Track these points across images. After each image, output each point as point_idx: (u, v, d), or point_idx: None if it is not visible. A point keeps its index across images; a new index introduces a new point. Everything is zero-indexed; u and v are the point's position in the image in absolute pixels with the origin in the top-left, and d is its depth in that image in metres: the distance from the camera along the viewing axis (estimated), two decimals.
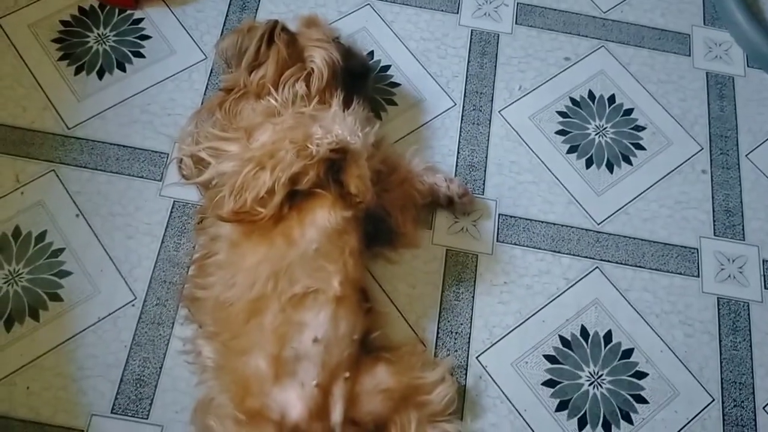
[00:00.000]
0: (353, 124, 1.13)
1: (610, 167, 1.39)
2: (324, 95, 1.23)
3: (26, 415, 1.09)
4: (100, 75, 1.36)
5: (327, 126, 1.11)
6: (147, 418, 1.11)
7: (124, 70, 1.37)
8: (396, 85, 1.43)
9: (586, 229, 1.32)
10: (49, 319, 1.16)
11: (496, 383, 1.19)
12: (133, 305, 1.19)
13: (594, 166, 1.39)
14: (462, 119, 1.41)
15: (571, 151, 1.39)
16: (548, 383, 1.20)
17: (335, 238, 1.11)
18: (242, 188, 1.09)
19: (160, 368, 1.15)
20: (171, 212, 1.26)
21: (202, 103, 1.33)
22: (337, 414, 1.05)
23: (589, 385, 1.20)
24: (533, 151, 1.39)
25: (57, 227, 1.23)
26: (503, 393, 1.18)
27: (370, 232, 1.21)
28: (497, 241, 1.30)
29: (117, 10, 1.43)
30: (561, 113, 1.43)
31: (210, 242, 1.16)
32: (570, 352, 1.22)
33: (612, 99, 1.45)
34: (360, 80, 1.31)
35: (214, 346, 1.09)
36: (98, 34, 1.40)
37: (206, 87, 1.38)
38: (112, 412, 1.11)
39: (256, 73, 1.22)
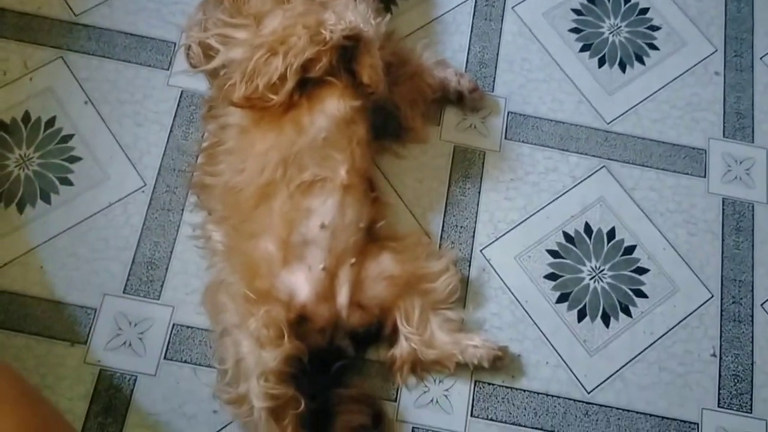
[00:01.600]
0: (366, 12, 1.12)
1: (622, 66, 1.37)
2: None
3: (40, 293, 1.13)
4: None
5: (340, 12, 1.10)
6: (158, 299, 1.14)
7: None
8: None
9: (595, 129, 1.32)
10: (61, 203, 1.18)
11: (498, 275, 1.21)
12: (142, 191, 1.20)
13: (606, 65, 1.37)
14: (474, 15, 1.38)
15: (584, 49, 1.37)
16: (550, 276, 1.22)
17: (344, 127, 1.11)
18: (254, 74, 1.08)
19: (171, 252, 1.17)
20: (179, 102, 1.26)
21: None
22: (343, 297, 1.08)
23: (590, 279, 1.22)
24: (545, 49, 1.37)
25: (66, 113, 1.23)
26: (505, 284, 1.21)
27: (379, 125, 1.21)
28: (505, 138, 1.30)
29: None
30: (575, 11, 1.40)
31: (219, 130, 1.16)
32: (573, 247, 1.24)
33: None
34: None
35: (223, 229, 1.11)
36: None
37: None
38: (124, 292, 1.14)
39: None
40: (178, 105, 1.26)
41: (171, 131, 1.24)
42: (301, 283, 1.06)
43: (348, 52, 1.11)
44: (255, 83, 1.08)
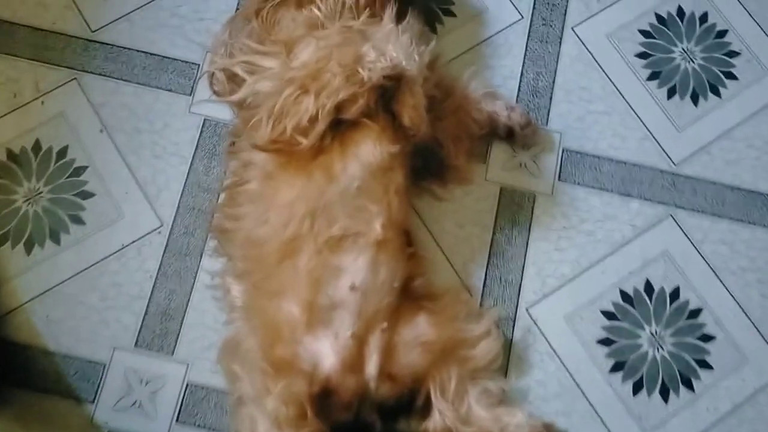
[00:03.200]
0: (409, 45, 0.99)
1: (695, 98, 1.22)
2: (374, 5, 1.07)
3: (45, 345, 1.04)
4: None
5: (380, 46, 0.98)
6: (172, 354, 1.05)
7: None
8: None
9: (661, 170, 1.18)
10: (71, 243, 1.09)
11: (545, 338, 1.09)
12: (159, 233, 1.10)
13: (677, 96, 1.22)
14: (529, 36, 1.24)
15: (652, 77, 1.22)
16: (604, 341, 1.09)
17: (380, 174, 1.00)
18: (282, 114, 0.97)
19: (187, 302, 1.08)
20: (201, 131, 1.15)
21: (237, 8, 1.19)
22: (372, 367, 0.97)
23: (649, 345, 1.10)
24: (608, 76, 1.22)
25: (80, 142, 1.14)
26: (552, 349, 1.09)
27: (418, 164, 1.09)
28: (559, 179, 1.17)
29: None
30: (644, 32, 1.25)
31: (242, 169, 1.05)
32: (631, 308, 1.11)
33: (704, 18, 1.26)
34: None
35: (243, 285, 1.01)
36: None
37: None
38: (135, 346, 1.05)
39: None
40: (200, 135, 1.15)
41: (191, 165, 1.14)
42: (326, 352, 0.96)
43: (388, 91, 0.99)
44: (282, 124, 0.97)
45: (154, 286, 1.08)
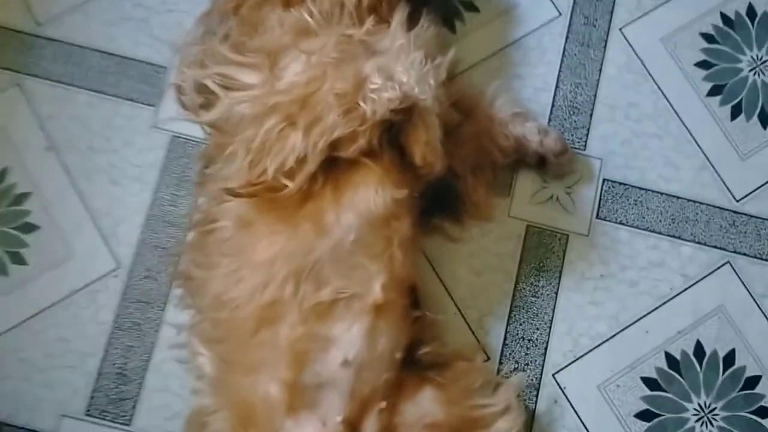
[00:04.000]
0: (423, 64, 0.79)
1: (763, 119, 1.01)
2: (380, 7, 0.87)
3: None
4: None
5: (387, 67, 0.78)
6: (129, 425, 0.89)
7: None
8: None
9: (720, 207, 0.98)
10: (10, 288, 0.91)
11: (574, 410, 0.92)
12: (115, 275, 0.92)
13: (742, 116, 1.01)
14: (567, 38, 1.03)
15: (713, 92, 1.01)
16: (644, 415, 0.92)
17: (381, 225, 0.81)
18: (262, 151, 0.78)
19: (148, 361, 0.90)
20: (168, 151, 0.96)
21: (212, 3, 0.98)
22: None
23: (697, 421, 0.92)
24: (661, 90, 1.01)
25: (22, 164, 0.95)
26: (583, 424, 0.92)
27: (429, 199, 0.90)
28: (597, 217, 0.97)
29: None
30: (706, 36, 1.03)
31: (213, 208, 0.87)
32: (677, 375, 0.93)
33: None
34: None
35: (213, 353, 0.84)
36: None
37: None
38: (86, 414, 0.89)
39: None
40: (167, 156, 0.96)
41: (156, 193, 0.95)
42: None
43: (395, 125, 0.80)
44: (263, 165, 0.78)
45: (108, 342, 0.91)
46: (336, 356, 0.79)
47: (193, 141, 0.96)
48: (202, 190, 0.90)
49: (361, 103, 0.77)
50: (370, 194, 0.80)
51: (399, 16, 0.83)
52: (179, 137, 0.96)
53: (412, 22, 0.85)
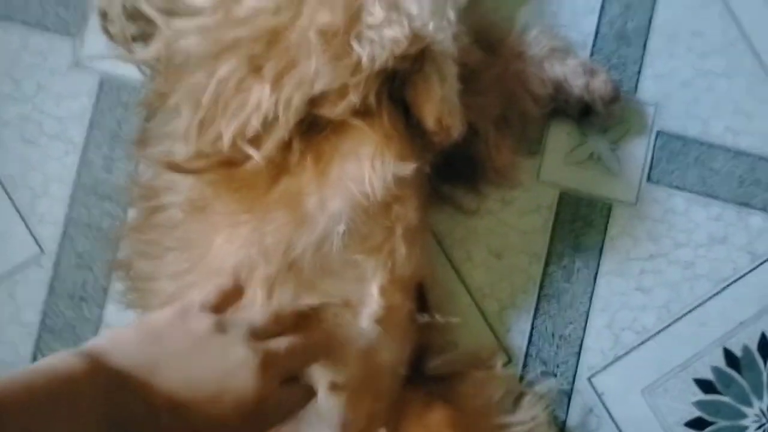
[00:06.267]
0: None
1: None
2: None
3: None
4: None
5: None
6: None
7: None
8: None
9: None
10: None
11: (614, 422, 0.76)
12: (39, 265, 0.72)
13: None
14: None
15: None
16: (695, 424, 0.76)
17: (379, 211, 0.61)
18: (216, 107, 0.56)
19: None
20: (98, 98, 0.73)
21: None
22: None
23: (758, 429, 0.77)
24: (734, 14, 0.79)
25: None
26: None
27: (441, 163, 0.69)
28: (648, 180, 0.77)
29: None
30: None
31: (157, 179, 0.66)
32: (737, 375, 0.77)
33: None
34: None
35: None
36: None
37: None
38: None
39: None
40: (97, 104, 0.73)
41: (84, 153, 0.73)
42: None
43: (398, 75, 0.58)
44: (216, 127, 0.57)
45: (36, 348, 0.72)
46: (323, 381, 0.61)
47: (130, 84, 0.73)
48: (142, 151, 0.69)
49: (355, 45, 0.55)
50: (365, 169, 0.59)
51: None
52: (111, 77, 0.73)
53: None
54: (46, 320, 0.72)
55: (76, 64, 0.73)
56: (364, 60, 0.55)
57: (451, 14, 0.58)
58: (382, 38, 0.55)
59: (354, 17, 0.56)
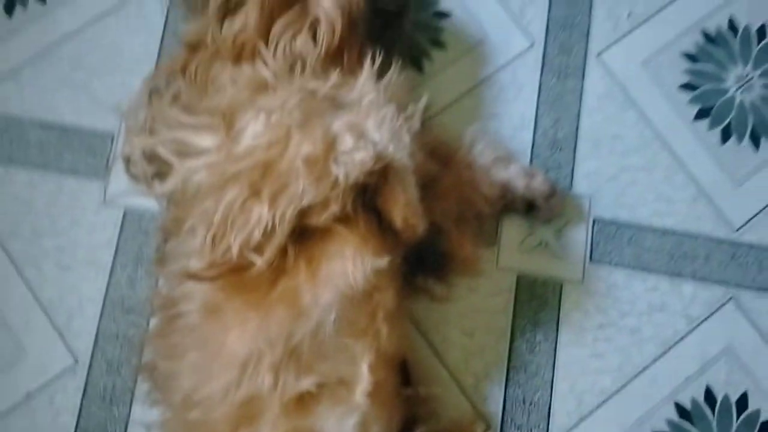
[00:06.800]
0: (395, 120, 0.72)
1: (755, 140, 0.95)
2: (342, 56, 0.80)
3: None
4: (9, 9, 0.92)
5: (357, 126, 0.70)
6: None
7: (44, 0, 0.93)
8: (444, 16, 0.97)
9: (719, 240, 0.92)
10: None
11: None
12: (74, 372, 0.84)
13: (733, 138, 0.95)
14: (542, 69, 0.96)
15: (700, 115, 0.96)
16: None
17: (363, 300, 0.73)
18: (225, 225, 0.70)
19: None
20: (122, 229, 0.87)
21: (157, 63, 0.90)
22: None
23: None
24: (646, 117, 0.95)
25: None
26: None
27: (412, 259, 0.82)
28: (590, 260, 0.91)
29: None
30: (688, 56, 0.97)
31: (175, 290, 0.78)
32: (690, 427, 0.87)
33: (762, 32, 0.99)
34: (393, 21, 0.87)
35: None
36: None
37: (165, 23, 0.93)
38: None
39: (231, 24, 0.79)
40: (120, 234, 0.87)
41: (111, 275, 0.86)
42: None
43: (369, 187, 0.73)
44: (226, 241, 0.70)
45: None
46: None
47: (149, 214, 0.88)
48: (162, 269, 0.82)
49: (333, 167, 0.69)
50: (348, 266, 0.72)
51: (368, 68, 0.76)
52: (133, 211, 0.88)
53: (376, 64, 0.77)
54: (80, 422, 0.83)
55: (103, 202, 0.88)
56: (341, 178, 0.69)
57: (407, 137, 0.73)
58: (354, 160, 0.69)
59: (330, 146, 0.70)
